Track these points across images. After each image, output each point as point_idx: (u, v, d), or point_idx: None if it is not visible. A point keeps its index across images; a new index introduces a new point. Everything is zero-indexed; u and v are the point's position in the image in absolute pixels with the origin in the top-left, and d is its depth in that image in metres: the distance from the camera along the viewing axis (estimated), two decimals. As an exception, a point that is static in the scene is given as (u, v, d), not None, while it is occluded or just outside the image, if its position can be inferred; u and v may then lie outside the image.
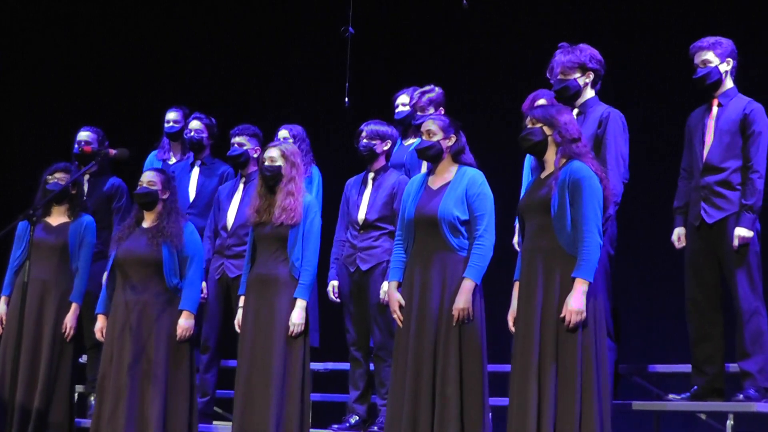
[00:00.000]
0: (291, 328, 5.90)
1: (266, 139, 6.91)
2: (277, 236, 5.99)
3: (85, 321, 7.23)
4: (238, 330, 6.08)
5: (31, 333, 6.58)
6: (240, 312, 6.09)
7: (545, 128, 5.25)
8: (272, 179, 6.06)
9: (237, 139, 6.98)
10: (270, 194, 6.08)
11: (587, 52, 5.84)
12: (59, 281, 6.76)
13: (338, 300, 6.56)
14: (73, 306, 6.76)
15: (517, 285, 5.27)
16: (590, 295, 5.03)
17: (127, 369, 6.07)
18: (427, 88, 6.71)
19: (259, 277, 6.02)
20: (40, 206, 6.56)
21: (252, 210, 6.11)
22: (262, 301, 5.97)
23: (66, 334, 6.71)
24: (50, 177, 6.88)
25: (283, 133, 7.11)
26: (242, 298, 6.10)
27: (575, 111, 5.85)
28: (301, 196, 6.04)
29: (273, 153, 6.10)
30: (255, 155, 6.96)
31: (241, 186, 6.95)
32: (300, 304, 5.94)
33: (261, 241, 6.06)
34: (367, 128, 6.54)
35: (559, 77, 5.87)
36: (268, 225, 6.02)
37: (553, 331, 5.02)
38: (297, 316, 5.91)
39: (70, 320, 6.73)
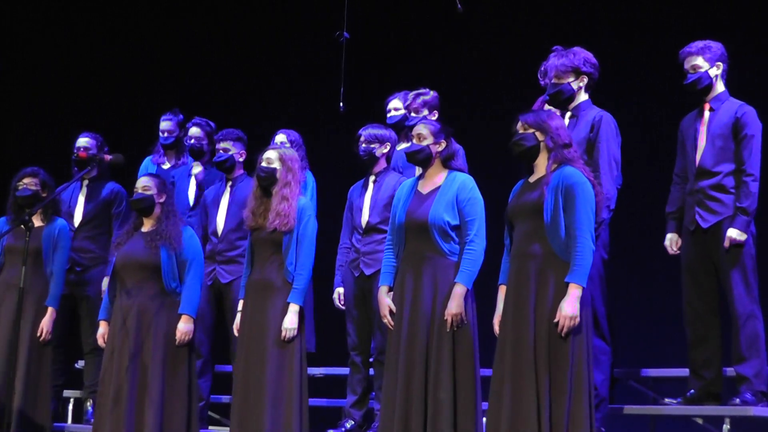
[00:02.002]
0: (283, 333, 5.87)
1: (263, 142, 6.89)
2: (272, 241, 5.96)
3: (83, 326, 7.23)
4: (236, 334, 6.06)
5: (7, 337, 6.52)
6: (239, 316, 6.07)
7: (537, 133, 5.22)
8: (266, 180, 6.02)
9: (222, 145, 6.97)
10: (265, 196, 6.04)
11: (581, 55, 5.81)
12: (33, 285, 6.70)
13: (344, 307, 6.54)
14: (49, 310, 6.74)
15: (502, 289, 5.26)
16: (584, 300, 5.02)
17: (125, 372, 6.05)
18: (421, 90, 6.66)
19: (255, 282, 6.00)
20: (35, 211, 6.53)
21: (248, 212, 6.08)
22: (258, 306, 5.94)
23: (42, 338, 6.70)
24: (20, 183, 6.87)
25: (280, 137, 7.09)
26: (241, 303, 6.08)
27: (568, 114, 5.83)
28: (296, 201, 5.99)
29: (271, 155, 6.06)
30: (241, 159, 6.98)
31: (228, 190, 6.96)
32: (293, 309, 5.91)
33: (257, 246, 6.04)
34: (365, 132, 6.51)
35: (553, 81, 5.83)
36: (264, 230, 5.99)
37: (546, 337, 5.00)
38: (289, 321, 5.88)
39: (46, 324, 6.71)
